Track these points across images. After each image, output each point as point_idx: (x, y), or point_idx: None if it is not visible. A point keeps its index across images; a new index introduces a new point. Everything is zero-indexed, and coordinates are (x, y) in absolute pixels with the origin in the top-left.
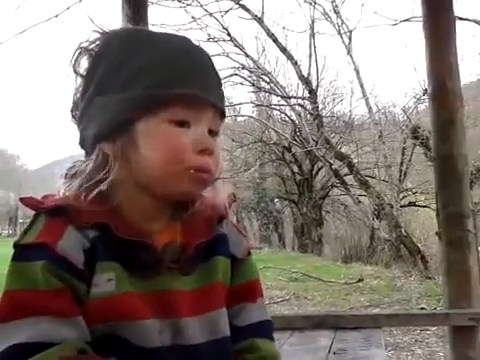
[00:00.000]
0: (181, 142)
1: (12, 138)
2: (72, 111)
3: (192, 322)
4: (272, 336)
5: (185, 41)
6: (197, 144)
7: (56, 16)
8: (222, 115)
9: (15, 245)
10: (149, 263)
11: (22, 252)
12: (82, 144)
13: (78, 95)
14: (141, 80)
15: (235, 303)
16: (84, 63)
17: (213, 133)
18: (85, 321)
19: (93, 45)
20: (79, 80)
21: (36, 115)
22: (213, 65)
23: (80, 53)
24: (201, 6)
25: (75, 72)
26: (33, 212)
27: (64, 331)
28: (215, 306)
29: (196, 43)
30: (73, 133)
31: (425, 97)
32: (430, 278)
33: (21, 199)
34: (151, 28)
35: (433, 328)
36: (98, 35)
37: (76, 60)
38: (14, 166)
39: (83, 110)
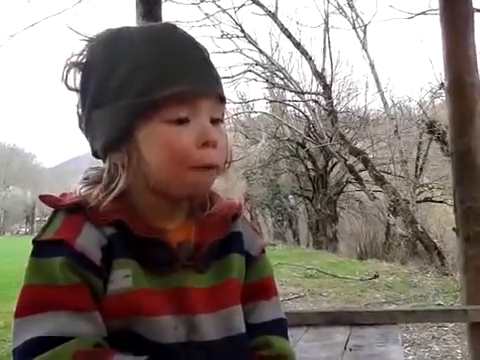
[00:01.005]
0: (182, 140)
1: (28, 137)
2: (79, 125)
3: (208, 319)
4: (286, 334)
5: (167, 32)
6: (199, 138)
7: (68, 9)
8: (222, 99)
9: (34, 241)
10: (164, 260)
11: (41, 248)
12: (96, 155)
13: (79, 110)
14: (130, 86)
15: (249, 300)
16: (78, 76)
17: (217, 121)
18: (102, 317)
19: (81, 57)
20: (77, 95)
21: (51, 113)
22: (201, 50)
23: (69, 69)
24: (214, 2)
25: (69, 89)
26: (51, 210)
27: (81, 326)
28: (230, 303)
29: (181, 30)
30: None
31: (441, 91)
32: (447, 274)
33: (40, 197)
34: None
35: (450, 325)
36: (84, 44)
37: (66, 77)
38: (31, 165)
39: (86, 124)
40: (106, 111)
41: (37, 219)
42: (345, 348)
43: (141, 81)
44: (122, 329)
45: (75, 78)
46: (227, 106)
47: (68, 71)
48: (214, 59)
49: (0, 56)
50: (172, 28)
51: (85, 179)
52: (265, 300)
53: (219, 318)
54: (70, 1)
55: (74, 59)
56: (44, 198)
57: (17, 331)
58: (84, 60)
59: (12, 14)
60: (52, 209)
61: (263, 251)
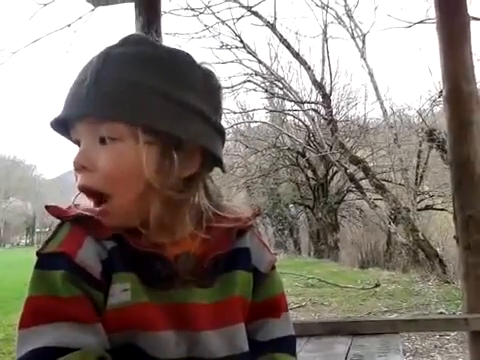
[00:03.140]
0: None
1: (29, 149)
2: None
3: (211, 336)
4: (294, 351)
5: (95, 56)
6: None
7: (69, 25)
8: (108, 117)
9: (38, 253)
10: (163, 275)
11: (44, 260)
12: None
13: None
14: None
15: (258, 318)
16: None
17: (113, 139)
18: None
19: None
20: None
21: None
22: (87, 70)
23: None
24: (213, 14)
25: None
26: (56, 221)
27: (84, 337)
28: (234, 321)
29: (106, 50)
30: None
31: (440, 99)
32: (449, 282)
33: (47, 207)
34: (164, 37)
35: (453, 333)
36: None
37: None
38: (31, 176)
39: None
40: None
41: (37, 230)
42: (346, 358)
43: None
44: (123, 343)
45: None
46: (227, 116)
47: None
48: (216, 69)
49: (2, 71)
50: (104, 50)
51: None
52: (275, 318)
53: (223, 336)
54: (71, 17)
55: None
56: (50, 209)
57: (21, 342)
58: None
59: (14, 31)
60: (57, 220)
61: (273, 267)
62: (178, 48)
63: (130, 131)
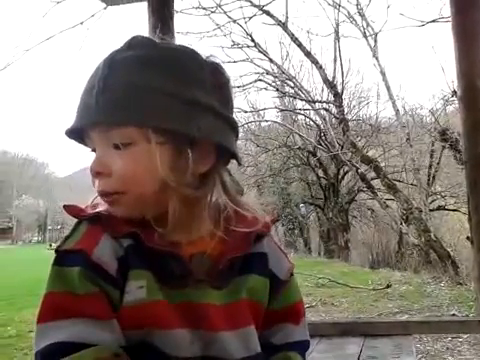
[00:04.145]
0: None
1: (41, 147)
2: None
3: (229, 336)
4: (304, 355)
5: (102, 61)
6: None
7: (81, 23)
8: (118, 123)
9: (56, 250)
10: (177, 273)
11: (61, 257)
12: None
13: None
14: None
15: (277, 323)
16: None
17: (127, 145)
18: (120, 327)
19: None
20: None
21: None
22: (96, 77)
23: None
24: (225, 13)
25: None
26: (67, 220)
27: (100, 333)
28: (247, 323)
29: (112, 54)
30: None
31: (453, 99)
32: (461, 284)
33: (65, 206)
34: (176, 36)
35: (465, 335)
36: None
37: None
38: (43, 174)
39: None
40: None
41: (49, 228)
42: (358, 359)
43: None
44: (138, 341)
45: None
46: (238, 115)
47: None
48: (227, 68)
49: (16, 69)
50: (109, 56)
51: None
52: (294, 325)
53: (239, 337)
54: (83, 15)
55: None
56: (68, 208)
57: (39, 336)
58: None
59: (27, 29)
60: (71, 219)
61: (291, 274)
62: (183, 45)
63: (141, 134)
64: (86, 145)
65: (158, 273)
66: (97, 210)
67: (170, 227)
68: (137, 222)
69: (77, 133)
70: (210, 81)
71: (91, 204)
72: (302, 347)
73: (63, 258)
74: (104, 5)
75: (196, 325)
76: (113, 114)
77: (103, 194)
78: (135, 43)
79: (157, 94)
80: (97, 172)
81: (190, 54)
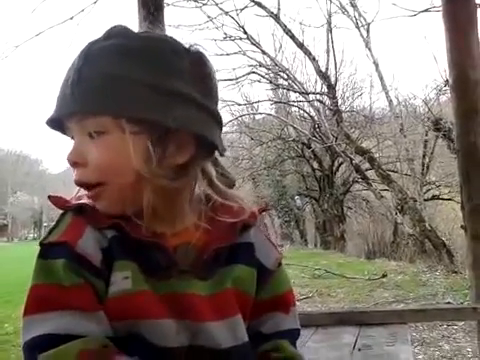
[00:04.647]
0: None
1: (35, 143)
2: None
3: (216, 326)
4: (295, 343)
5: (81, 50)
6: None
7: (71, 18)
8: (93, 112)
9: (40, 243)
10: (162, 264)
11: (46, 250)
12: None
13: None
14: None
15: (265, 313)
16: None
17: (100, 133)
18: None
19: None
20: None
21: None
22: (73, 67)
23: None
24: (217, 5)
25: None
26: (59, 214)
27: (86, 325)
28: (232, 312)
29: (90, 44)
30: None
31: (446, 88)
32: (456, 272)
33: (50, 197)
34: (167, 29)
35: (460, 323)
36: None
37: None
38: (37, 170)
39: None
40: None
41: (45, 224)
42: (354, 348)
43: None
44: (125, 331)
45: None
46: (232, 108)
47: None
48: (218, 62)
49: (6, 65)
50: (85, 47)
51: None
52: (283, 314)
53: (226, 326)
54: (73, 10)
55: None
56: (53, 199)
57: (25, 329)
58: None
59: (17, 25)
60: (60, 210)
61: (280, 264)
62: (163, 35)
63: (115, 123)
64: (66, 135)
65: (143, 264)
66: (81, 201)
67: (147, 218)
68: (119, 215)
69: (57, 123)
70: (190, 71)
71: (76, 196)
72: (292, 335)
73: (48, 251)
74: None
75: (182, 315)
76: (88, 103)
77: (80, 184)
78: (114, 33)
79: (132, 84)
80: (74, 162)
81: (170, 44)
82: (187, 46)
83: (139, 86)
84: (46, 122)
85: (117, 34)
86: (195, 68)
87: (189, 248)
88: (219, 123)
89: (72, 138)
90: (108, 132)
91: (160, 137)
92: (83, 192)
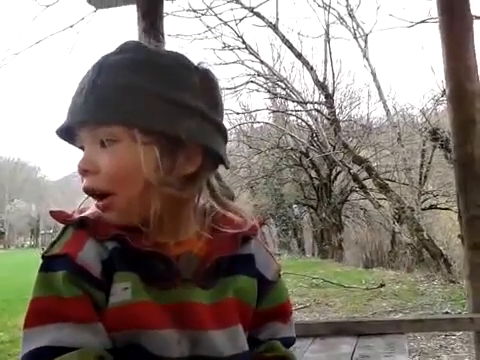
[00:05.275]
0: None
1: (33, 150)
2: None
3: (217, 335)
4: (288, 348)
5: (95, 62)
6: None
7: (71, 26)
8: (105, 121)
9: (42, 256)
10: (164, 274)
11: (47, 263)
12: None
13: None
14: None
15: (265, 322)
16: None
17: (112, 141)
18: (106, 329)
19: None
20: None
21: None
22: (86, 77)
23: None
24: (216, 15)
25: None
26: (59, 224)
27: (84, 336)
28: (232, 322)
29: (107, 55)
30: None
31: (444, 98)
32: (454, 282)
33: (51, 212)
34: (167, 39)
35: (458, 333)
36: None
37: None
38: (35, 178)
39: None
40: None
41: (42, 232)
42: (352, 358)
43: None
44: (125, 342)
45: None
46: (230, 117)
47: None
48: (217, 71)
49: (6, 73)
50: (100, 59)
51: None
52: (281, 323)
53: (227, 335)
54: (73, 19)
55: None
56: (54, 214)
57: (25, 341)
58: None
59: (17, 32)
60: (62, 224)
61: (279, 275)
62: (173, 50)
63: (127, 133)
64: (75, 144)
65: (144, 274)
66: (83, 214)
67: (154, 227)
68: (124, 226)
69: (67, 132)
70: (198, 85)
71: (79, 209)
72: (287, 342)
73: (49, 264)
74: (93, 8)
75: (183, 325)
76: (101, 112)
77: (89, 191)
78: (126, 47)
79: (145, 95)
80: (84, 170)
81: (179, 59)
82: (196, 63)
83: (151, 97)
84: (56, 131)
85: (130, 48)
86: (203, 82)
87: (191, 257)
88: (225, 136)
89: (81, 148)
90: (120, 141)
91: (170, 147)
92: (86, 204)
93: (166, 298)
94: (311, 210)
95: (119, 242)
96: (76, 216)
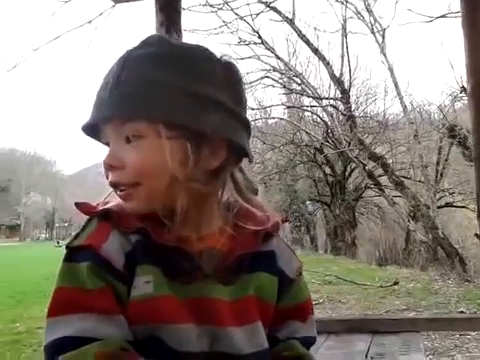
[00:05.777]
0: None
1: (49, 144)
2: None
3: (237, 332)
4: (309, 348)
5: (122, 55)
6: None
7: (89, 22)
8: (130, 116)
9: (67, 247)
10: (186, 269)
11: (71, 253)
12: None
13: None
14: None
15: (285, 320)
16: None
17: (137, 137)
18: (127, 322)
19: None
20: None
21: (71, 121)
22: (112, 72)
23: None
24: (232, 10)
25: None
26: (74, 218)
27: (107, 328)
28: (252, 319)
29: (133, 48)
30: None
31: (462, 95)
32: (469, 281)
33: (76, 204)
34: (183, 34)
35: (473, 333)
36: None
37: None
38: (51, 172)
39: None
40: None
41: (57, 225)
42: (366, 356)
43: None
44: (145, 335)
45: None
46: None
47: None
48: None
49: (24, 68)
50: (124, 54)
51: None
52: (301, 322)
53: (247, 332)
54: (92, 14)
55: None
56: (80, 206)
57: (48, 330)
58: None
59: (36, 28)
60: (83, 217)
61: (300, 273)
62: (196, 44)
63: (152, 128)
64: (100, 140)
65: (166, 268)
66: (107, 206)
67: (178, 222)
68: (147, 218)
69: (92, 129)
70: (222, 78)
71: (103, 201)
72: (307, 341)
73: (73, 254)
74: (112, 3)
75: (204, 320)
76: (125, 108)
77: (115, 185)
78: (150, 42)
79: (169, 90)
80: (110, 165)
81: (203, 52)
82: (219, 55)
83: (175, 92)
84: (81, 128)
85: (153, 43)
86: (227, 75)
87: (214, 253)
88: (248, 129)
89: (106, 144)
90: (145, 136)
91: (195, 142)
92: (110, 197)
93: (187, 293)
94: (325, 206)
95: (142, 235)
96: (100, 208)
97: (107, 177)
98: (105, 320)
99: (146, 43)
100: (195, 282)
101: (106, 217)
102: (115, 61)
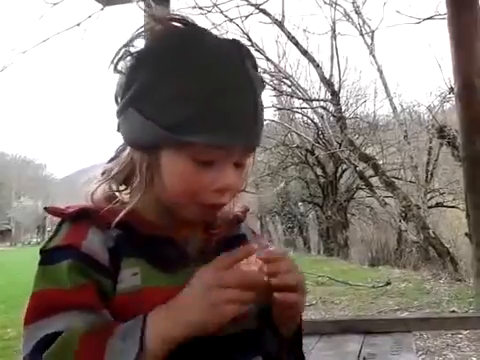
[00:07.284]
0: (202, 180)
1: (39, 148)
2: (115, 100)
3: None
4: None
5: (228, 62)
6: (216, 183)
7: (78, 24)
8: (253, 148)
9: (41, 251)
10: (174, 257)
11: (48, 256)
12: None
13: (120, 91)
14: (164, 112)
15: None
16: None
17: (239, 166)
18: (114, 318)
19: (136, 48)
20: (121, 77)
21: (61, 124)
22: (252, 91)
23: (122, 55)
24: (221, 12)
25: (117, 71)
26: (59, 220)
27: (91, 319)
28: None
29: (244, 54)
30: (96, 142)
31: (451, 95)
32: (460, 280)
33: (45, 208)
34: None
35: (465, 332)
36: (143, 32)
37: (117, 62)
38: (42, 175)
39: (119, 110)
40: (139, 118)
41: (48, 229)
42: (359, 357)
43: (177, 113)
44: None
45: (124, 63)
46: None
47: (121, 56)
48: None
49: (13, 71)
50: (237, 52)
51: (103, 173)
52: None
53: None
54: (80, 17)
55: (130, 47)
56: (49, 209)
57: (27, 338)
58: (139, 52)
59: (24, 31)
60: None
61: None
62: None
63: (250, 158)
64: (199, 155)
65: (152, 258)
66: (82, 206)
67: (157, 217)
68: (122, 212)
69: (216, 146)
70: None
71: (74, 205)
72: None
73: (51, 256)
74: (101, 6)
75: None
76: (259, 137)
77: (220, 207)
78: (249, 56)
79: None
80: (229, 189)
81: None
82: None
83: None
84: (203, 139)
85: (247, 53)
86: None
87: (195, 239)
88: None
89: (204, 161)
90: (245, 165)
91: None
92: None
93: (175, 280)
94: (317, 208)
95: (123, 229)
96: (71, 210)
97: (195, 197)
98: (88, 313)
99: (240, 48)
100: (181, 269)
101: (80, 217)
102: (241, 65)
